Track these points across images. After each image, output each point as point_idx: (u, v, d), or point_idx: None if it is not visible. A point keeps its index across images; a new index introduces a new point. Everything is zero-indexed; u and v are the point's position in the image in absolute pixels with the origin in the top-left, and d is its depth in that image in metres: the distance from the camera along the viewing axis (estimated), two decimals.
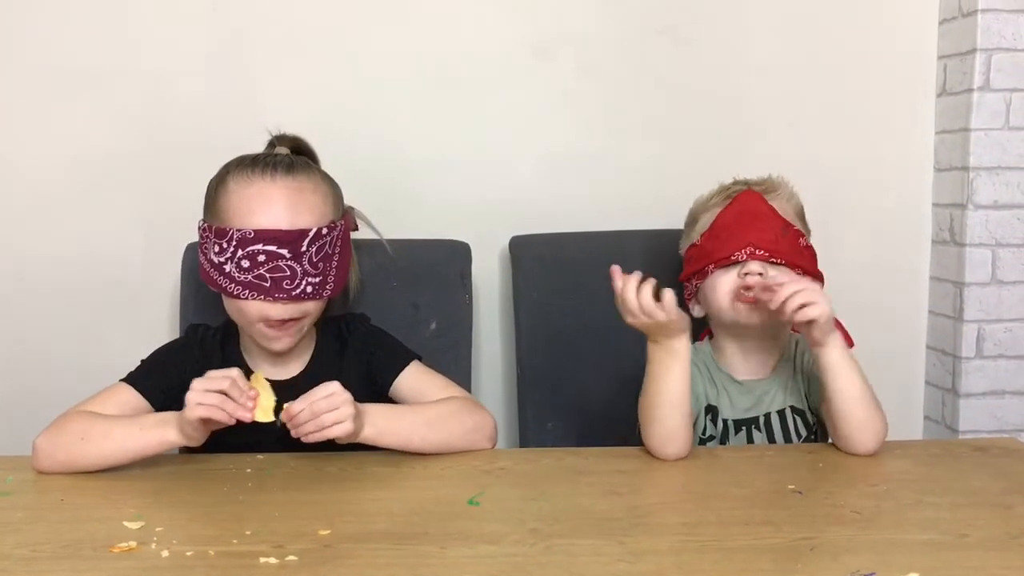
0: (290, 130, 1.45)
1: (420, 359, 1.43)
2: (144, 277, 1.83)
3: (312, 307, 1.35)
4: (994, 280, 1.87)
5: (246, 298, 1.31)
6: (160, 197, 1.82)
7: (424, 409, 1.34)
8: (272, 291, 1.30)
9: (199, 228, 1.36)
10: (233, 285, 1.31)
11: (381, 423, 1.28)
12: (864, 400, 1.29)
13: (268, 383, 1.26)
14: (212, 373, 1.22)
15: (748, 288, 1.36)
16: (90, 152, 1.82)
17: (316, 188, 1.36)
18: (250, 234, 1.29)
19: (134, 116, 1.82)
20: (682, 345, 1.28)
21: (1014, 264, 1.87)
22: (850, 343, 1.40)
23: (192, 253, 1.63)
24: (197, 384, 1.20)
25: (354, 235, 1.47)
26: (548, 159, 1.89)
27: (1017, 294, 1.87)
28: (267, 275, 1.29)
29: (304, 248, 1.30)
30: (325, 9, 1.83)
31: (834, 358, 1.29)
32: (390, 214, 1.68)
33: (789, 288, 1.27)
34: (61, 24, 1.79)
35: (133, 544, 1.00)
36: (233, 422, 1.19)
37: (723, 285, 1.39)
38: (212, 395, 1.19)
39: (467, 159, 1.87)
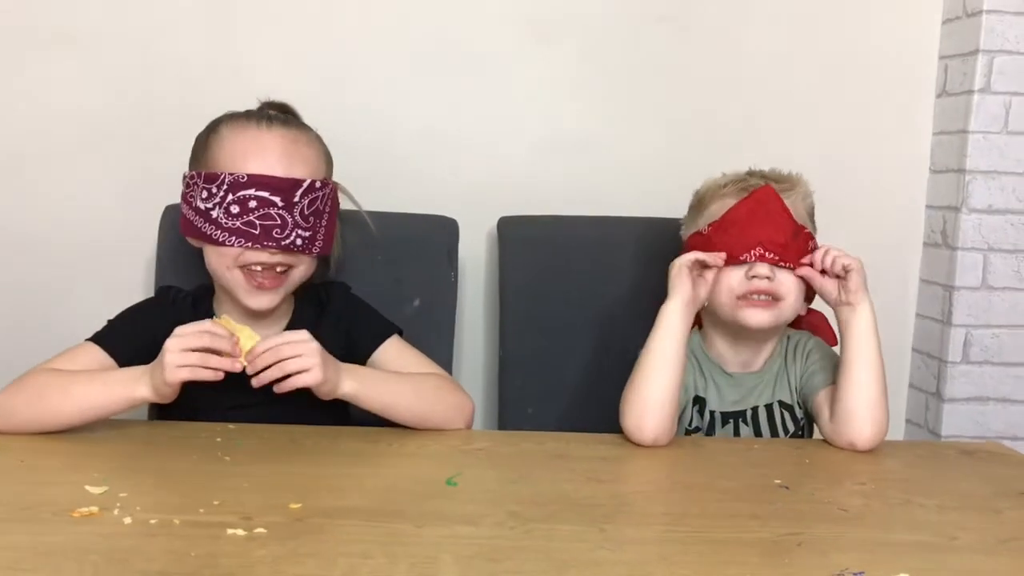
0: (278, 96, 1.41)
1: (401, 333, 1.40)
2: (120, 238, 1.78)
3: (299, 264, 1.30)
4: (984, 285, 1.85)
5: (231, 245, 1.25)
6: (139, 158, 1.77)
7: (409, 378, 1.31)
8: (261, 238, 1.25)
9: (184, 179, 1.32)
10: (219, 231, 1.25)
11: (365, 381, 1.25)
12: (880, 377, 1.27)
13: (242, 326, 1.21)
14: (183, 329, 1.16)
15: (755, 293, 1.33)
16: (69, 112, 1.76)
17: (310, 143, 1.33)
18: (243, 178, 1.24)
19: (114, 77, 1.76)
20: (669, 306, 1.30)
21: (1005, 270, 1.85)
22: (833, 341, 1.38)
23: (170, 215, 1.58)
24: (173, 344, 1.14)
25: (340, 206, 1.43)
26: (542, 141, 1.85)
27: (1007, 300, 1.86)
28: (257, 222, 1.24)
29: (297, 199, 1.26)
30: None
31: (865, 320, 1.28)
32: (378, 186, 1.64)
33: (829, 255, 1.31)
34: None
35: (95, 509, 0.96)
36: (221, 377, 1.15)
37: (727, 281, 1.34)
38: (191, 354, 1.14)
39: (460, 136, 1.83)
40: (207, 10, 1.77)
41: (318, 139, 1.37)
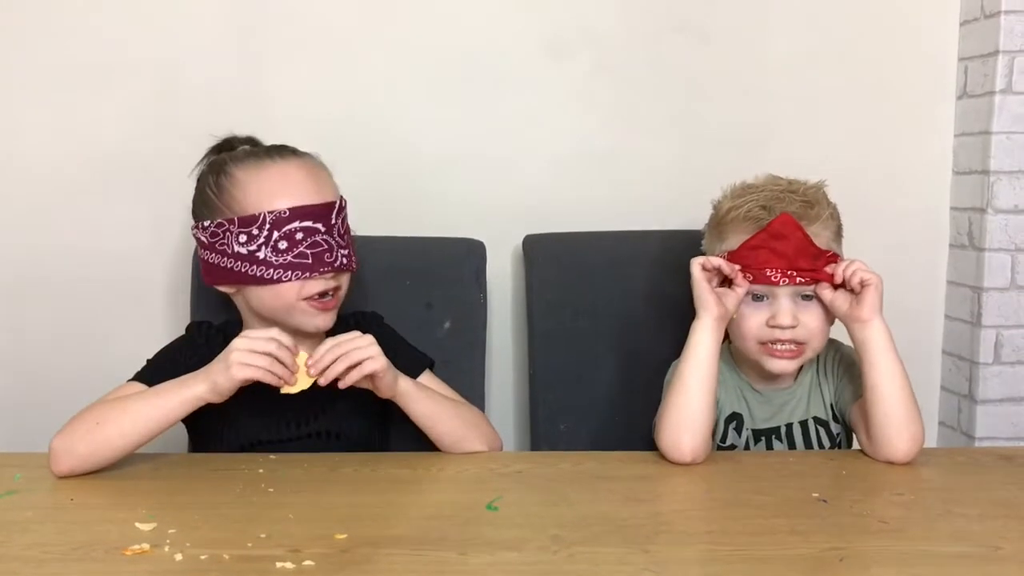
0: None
1: (433, 364, 1.42)
2: (154, 273, 1.80)
3: (345, 281, 1.35)
4: (1013, 285, 1.84)
5: (288, 279, 1.28)
6: (170, 191, 1.77)
7: (452, 400, 1.37)
8: (315, 266, 1.29)
9: (203, 229, 1.33)
10: (271, 270, 1.28)
11: (417, 385, 1.32)
12: (906, 391, 1.27)
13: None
14: (253, 333, 1.22)
15: (778, 342, 1.33)
16: (99, 146, 1.78)
17: (321, 164, 1.37)
18: (284, 213, 1.28)
19: (143, 110, 1.79)
20: (699, 324, 1.30)
21: None
22: None
23: None
24: (241, 344, 1.19)
25: (363, 232, 1.47)
26: (563, 158, 1.86)
27: None
28: (308, 252, 1.28)
29: (333, 220, 1.31)
30: (338, 3, 1.80)
31: (881, 336, 1.27)
32: (404, 211, 1.66)
33: (851, 267, 1.30)
34: (70, 17, 1.76)
35: (146, 547, 0.97)
36: (280, 383, 1.20)
37: (748, 325, 1.33)
38: (260, 357, 1.18)
39: (482, 157, 1.84)
40: (234, 44, 1.79)
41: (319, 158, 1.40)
